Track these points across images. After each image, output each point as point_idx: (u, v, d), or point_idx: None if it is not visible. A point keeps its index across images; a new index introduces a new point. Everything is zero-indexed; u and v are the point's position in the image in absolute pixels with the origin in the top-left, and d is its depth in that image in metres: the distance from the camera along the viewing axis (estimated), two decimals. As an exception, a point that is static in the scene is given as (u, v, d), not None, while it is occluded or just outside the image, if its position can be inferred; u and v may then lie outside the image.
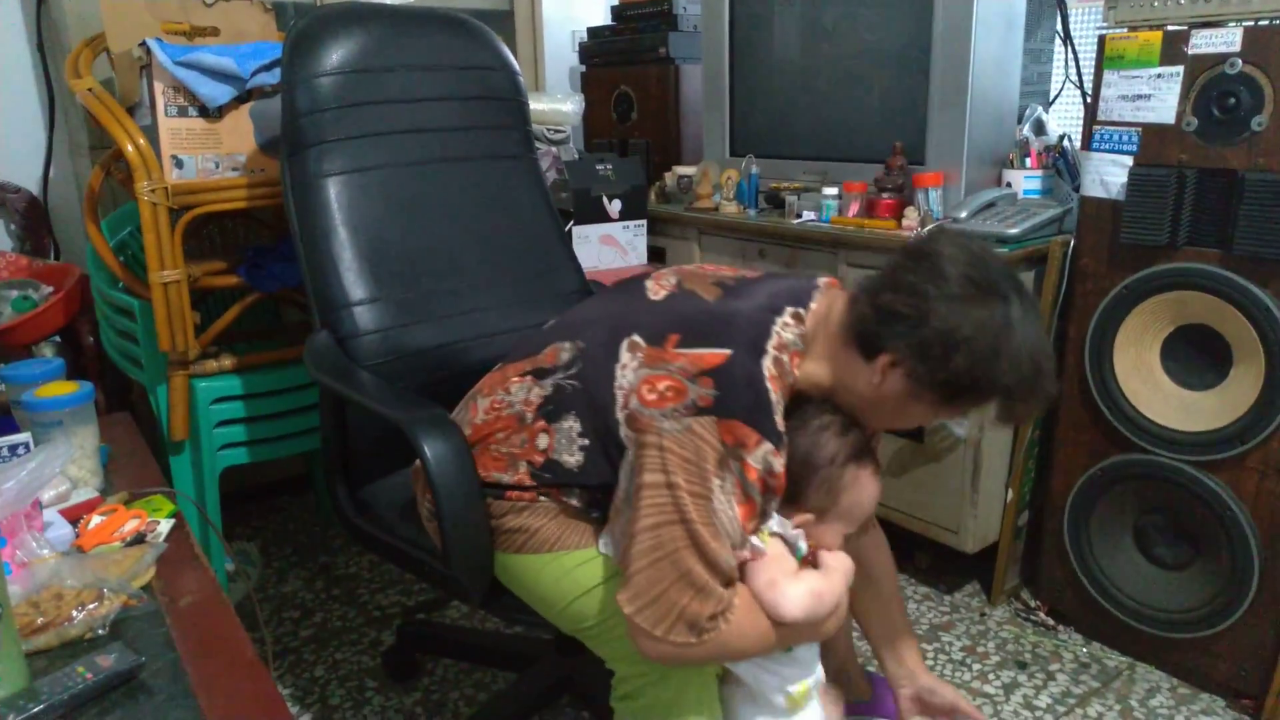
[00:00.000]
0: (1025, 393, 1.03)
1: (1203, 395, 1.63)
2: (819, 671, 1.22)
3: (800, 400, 1.13)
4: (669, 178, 2.40)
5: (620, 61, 2.71)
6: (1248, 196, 1.48)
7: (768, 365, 1.06)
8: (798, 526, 1.14)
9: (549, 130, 2.16)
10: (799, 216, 2.05)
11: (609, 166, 2.12)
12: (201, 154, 1.82)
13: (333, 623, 2.01)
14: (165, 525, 1.25)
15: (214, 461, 1.92)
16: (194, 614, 1.07)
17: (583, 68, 2.85)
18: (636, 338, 1.11)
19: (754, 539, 1.09)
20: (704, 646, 1.03)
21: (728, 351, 1.05)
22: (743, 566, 1.09)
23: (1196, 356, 1.64)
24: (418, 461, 1.24)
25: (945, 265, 1.03)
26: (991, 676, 1.80)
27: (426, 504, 1.31)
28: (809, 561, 1.16)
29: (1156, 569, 1.76)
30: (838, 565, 1.15)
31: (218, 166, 1.84)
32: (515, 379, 1.22)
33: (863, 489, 1.14)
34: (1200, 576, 1.70)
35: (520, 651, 1.81)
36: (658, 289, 1.20)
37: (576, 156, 2.22)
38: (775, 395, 1.05)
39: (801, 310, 1.13)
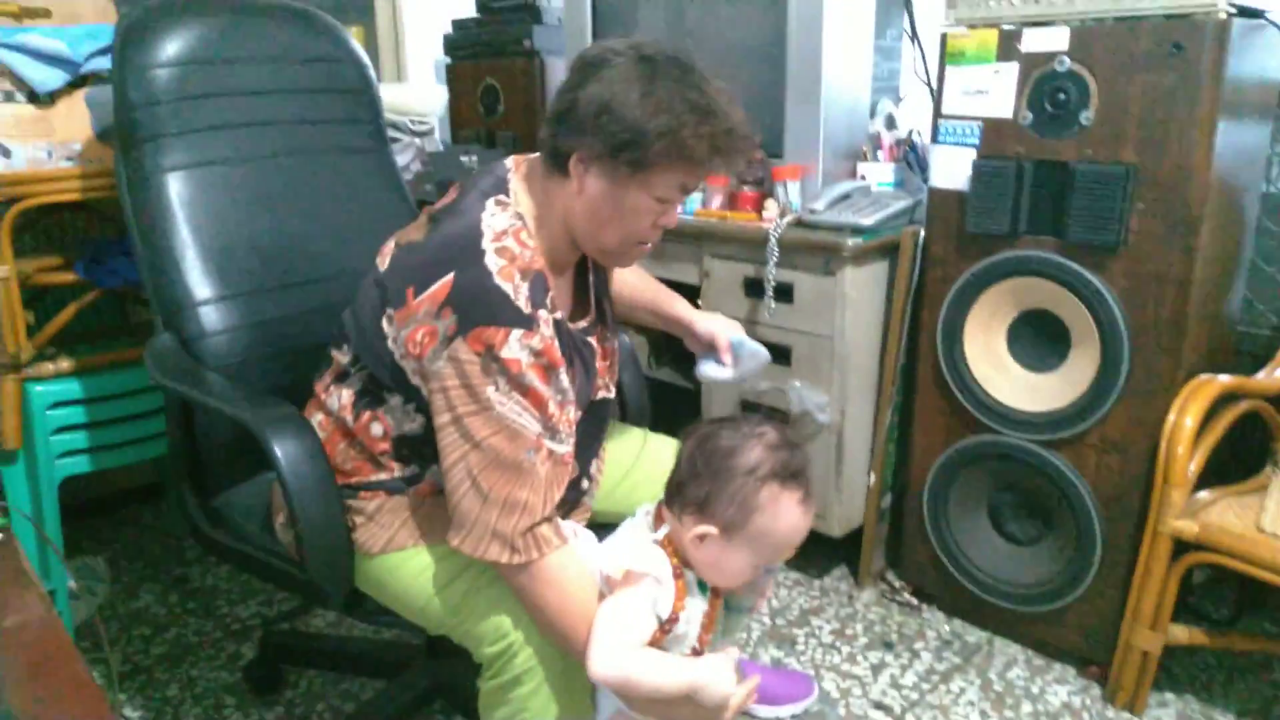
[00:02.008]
0: (694, 130, 1.05)
1: (1046, 377, 1.72)
2: None
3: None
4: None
5: (485, 54, 2.67)
6: (1078, 187, 1.56)
7: (490, 261, 1.07)
8: (699, 538, 1.04)
9: (412, 121, 2.11)
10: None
11: (474, 158, 2.08)
12: (32, 142, 1.71)
13: (188, 638, 1.91)
14: (-11, 542, 1.15)
15: (51, 471, 1.79)
16: (20, 635, 0.99)
17: (447, 59, 2.80)
18: (388, 310, 1.13)
19: (606, 566, 1.07)
20: (527, 572, 1.06)
21: (450, 275, 1.07)
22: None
23: (1039, 340, 1.72)
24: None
25: (598, 60, 1.09)
26: (860, 658, 1.84)
27: (282, 510, 1.27)
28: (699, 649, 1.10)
29: (1010, 545, 1.85)
30: (710, 683, 1.01)
31: (50, 156, 1.72)
32: (323, 394, 1.25)
33: (780, 516, 1.03)
34: (1050, 551, 1.78)
35: (389, 658, 1.76)
36: (383, 260, 1.20)
37: (441, 149, 2.17)
38: (509, 283, 1.06)
39: (504, 196, 1.15)
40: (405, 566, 1.19)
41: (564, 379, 1.10)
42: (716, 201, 1.99)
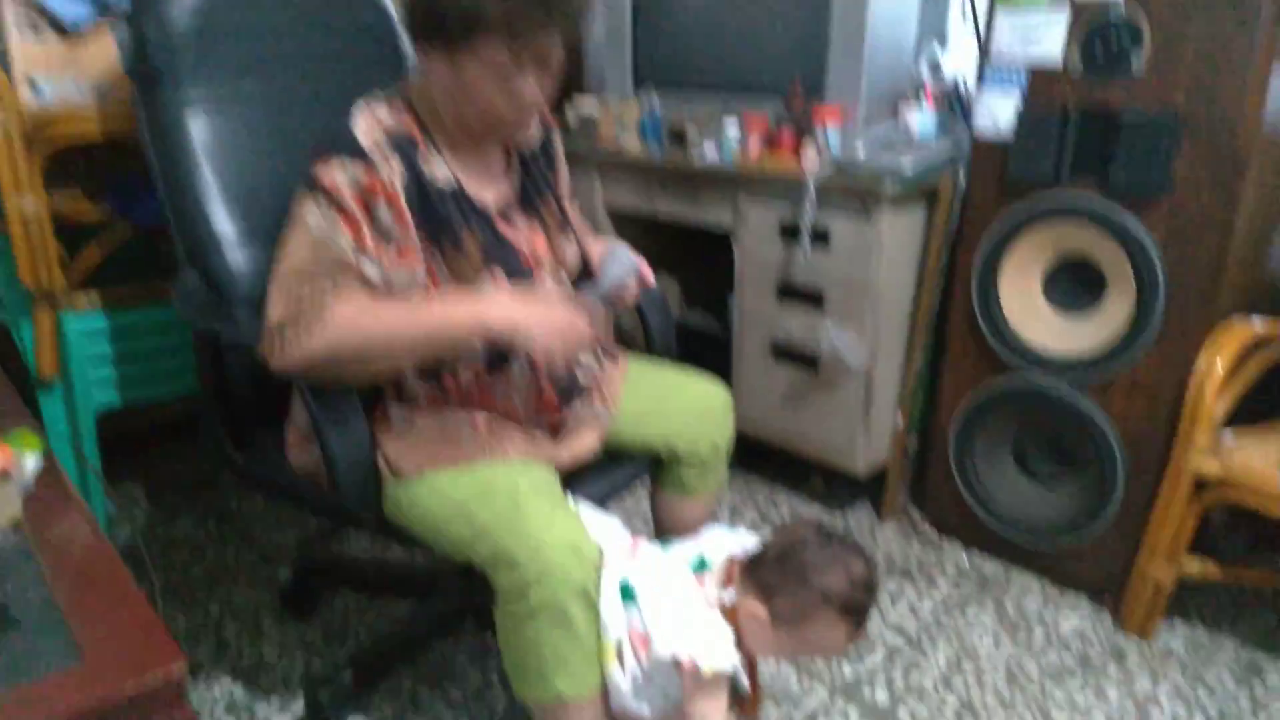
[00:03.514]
0: None
1: (1079, 322, 1.73)
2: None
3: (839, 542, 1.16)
4: (570, 113, 2.36)
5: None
6: (1125, 133, 1.56)
7: (356, 124, 1.17)
8: (746, 615, 1.13)
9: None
10: (701, 152, 2.05)
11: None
12: (61, 78, 1.69)
13: (226, 561, 1.96)
14: (32, 461, 1.18)
15: (89, 402, 1.82)
16: (65, 549, 1.02)
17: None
18: None
19: (681, 651, 1.10)
20: (322, 322, 1.12)
21: (325, 150, 1.16)
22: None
23: (1075, 284, 1.73)
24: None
25: None
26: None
27: (298, 431, 1.32)
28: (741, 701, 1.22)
29: (1033, 484, 1.89)
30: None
31: (80, 91, 1.71)
32: None
33: (826, 638, 1.13)
34: (1072, 489, 1.83)
35: (422, 578, 1.82)
36: None
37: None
38: (366, 135, 1.15)
39: (392, 92, 1.25)
40: (423, 489, 1.22)
41: (385, 215, 1.15)
42: (754, 143, 1.97)
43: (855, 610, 1.12)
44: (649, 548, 1.23)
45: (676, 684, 1.15)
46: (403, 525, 1.27)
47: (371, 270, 1.15)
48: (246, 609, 1.80)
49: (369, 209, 1.14)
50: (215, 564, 1.95)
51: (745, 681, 1.19)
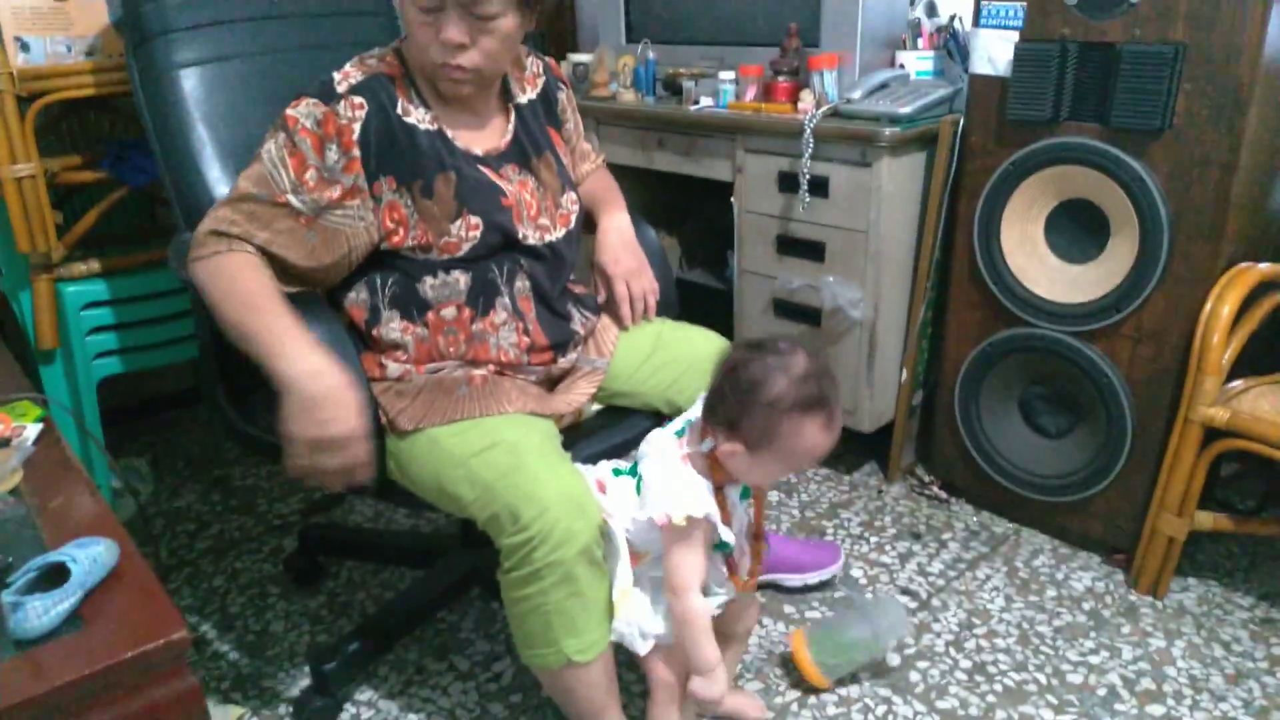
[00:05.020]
0: None
1: (1083, 268, 1.70)
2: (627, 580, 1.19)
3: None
4: (564, 66, 2.33)
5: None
6: (1124, 68, 1.52)
7: (340, 70, 1.23)
8: (730, 453, 1.10)
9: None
10: (696, 103, 2.02)
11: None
12: (50, 36, 1.67)
13: (231, 533, 1.96)
14: (32, 430, 1.18)
15: (89, 372, 1.82)
16: (66, 517, 1.02)
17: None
18: None
19: (659, 512, 1.10)
20: (204, 265, 1.16)
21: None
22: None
23: (1078, 230, 1.70)
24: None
25: None
26: (888, 548, 1.88)
27: None
28: (731, 563, 1.21)
29: (1040, 438, 1.85)
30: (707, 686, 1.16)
31: (70, 50, 1.69)
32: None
33: (802, 439, 1.09)
34: (1080, 442, 1.79)
35: (426, 547, 1.81)
36: None
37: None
38: (343, 76, 1.21)
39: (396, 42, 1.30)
40: (423, 445, 1.20)
41: (334, 156, 1.18)
42: (750, 93, 1.94)
43: (812, 402, 1.07)
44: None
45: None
46: (403, 485, 1.26)
47: (298, 204, 1.17)
48: (252, 581, 1.79)
49: (321, 149, 1.17)
50: (220, 536, 1.94)
51: (729, 535, 1.15)
